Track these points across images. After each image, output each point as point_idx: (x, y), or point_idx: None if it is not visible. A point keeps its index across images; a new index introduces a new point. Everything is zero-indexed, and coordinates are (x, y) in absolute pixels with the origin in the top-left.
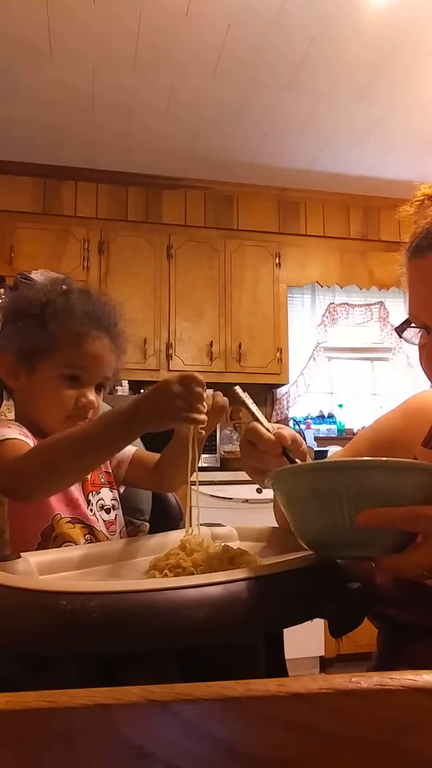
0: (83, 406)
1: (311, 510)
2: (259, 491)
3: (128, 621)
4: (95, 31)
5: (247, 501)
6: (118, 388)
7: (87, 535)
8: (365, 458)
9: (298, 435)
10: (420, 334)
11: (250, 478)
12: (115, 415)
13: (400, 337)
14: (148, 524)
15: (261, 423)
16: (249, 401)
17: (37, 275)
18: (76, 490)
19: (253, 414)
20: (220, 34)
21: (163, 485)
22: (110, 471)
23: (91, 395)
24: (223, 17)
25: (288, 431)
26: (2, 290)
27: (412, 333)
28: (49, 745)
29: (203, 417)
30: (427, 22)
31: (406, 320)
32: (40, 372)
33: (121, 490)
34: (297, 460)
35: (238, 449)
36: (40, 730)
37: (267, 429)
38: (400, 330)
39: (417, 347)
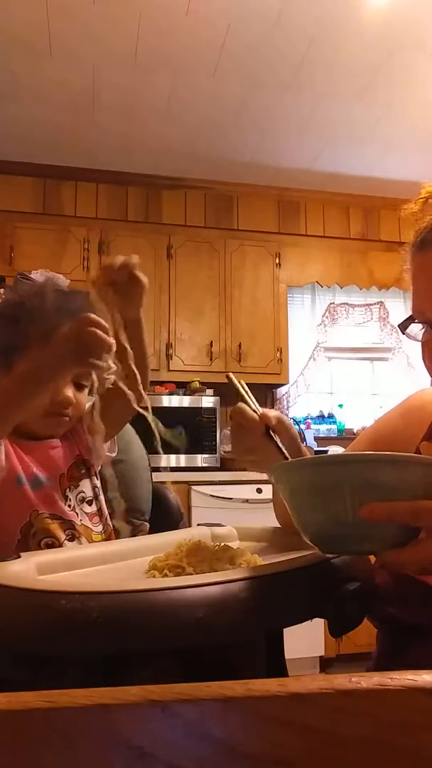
0: (59, 402)
1: (314, 503)
2: (259, 491)
3: (128, 621)
4: (95, 31)
5: (247, 501)
6: None
7: (67, 530)
8: (369, 452)
9: (284, 417)
10: (423, 330)
11: (249, 478)
12: (21, 375)
13: (403, 333)
14: (148, 524)
15: (248, 404)
16: (240, 385)
17: (37, 275)
18: (51, 486)
19: (242, 396)
20: (220, 34)
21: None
22: (89, 457)
23: (67, 391)
24: (223, 17)
25: (273, 413)
26: (2, 290)
27: (416, 329)
28: (48, 745)
29: (101, 364)
30: (427, 22)
31: (410, 317)
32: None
33: (114, 454)
34: (279, 442)
35: None
36: (40, 730)
37: (254, 410)
38: (403, 326)
39: (420, 344)
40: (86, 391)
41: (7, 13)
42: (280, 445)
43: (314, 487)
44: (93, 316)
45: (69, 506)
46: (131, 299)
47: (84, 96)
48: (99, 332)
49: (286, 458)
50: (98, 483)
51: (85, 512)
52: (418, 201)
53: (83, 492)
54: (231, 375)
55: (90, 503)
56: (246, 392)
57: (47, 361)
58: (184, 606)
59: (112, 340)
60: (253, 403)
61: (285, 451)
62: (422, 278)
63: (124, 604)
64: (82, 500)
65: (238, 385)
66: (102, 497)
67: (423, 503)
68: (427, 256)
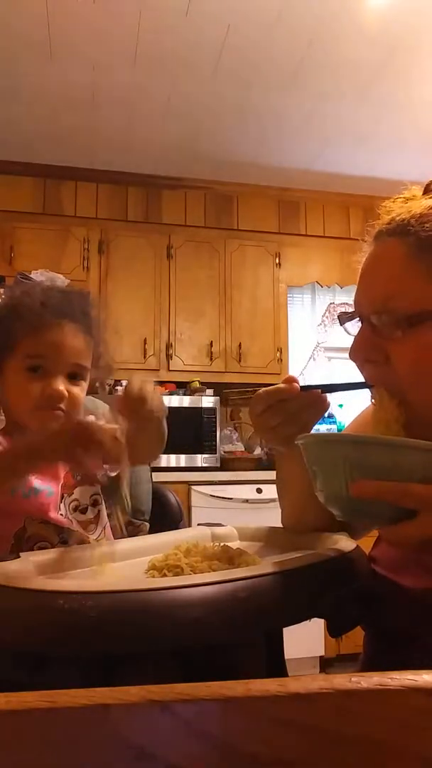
0: (50, 396)
1: (320, 476)
2: (259, 491)
3: (126, 620)
4: (95, 31)
5: (247, 501)
6: (118, 388)
7: (61, 534)
8: (365, 434)
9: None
10: (358, 324)
11: (249, 478)
12: (7, 453)
13: (341, 325)
14: (148, 524)
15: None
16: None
17: (37, 275)
18: (47, 494)
19: (250, 390)
20: (221, 34)
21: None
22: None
23: (59, 385)
24: (223, 17)
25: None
26: (2, 290)
27: (355, 323)
28: (48, 745)
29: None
30: (427, 22)
31: (353, 311)
32: (5, 369)
33: (114, 474)
34: (315, 386)
35: (238, 449)
36: (40, 730)
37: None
38: (345, 318)
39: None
40: (83, 384)
41: (8, 13)
42: (316, 386)
43: (318, 462)
44: (87, 423)
45: (61, 514)
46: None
47: (84, 96)
48: (94, 439)
49: (333, 387)
50: (98, 489)
51: (78, 521)
52: (397, 200)
53: (77, 500)
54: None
55: (84, 511)
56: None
57: (30, 453)
58: (182, 606)
59: (103, 443)
60: None
61: (334, 381)
62: (362, 270)
63: (122, 604)
64: (75, 508)
65: (241, 391)
66: (103, 504)
67: (410, 486)
68: (374, 248)
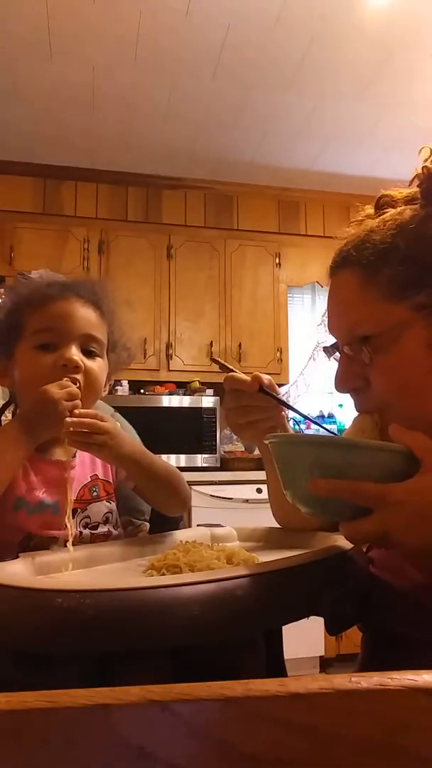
0: (63, 366)
1: (286, 475)
2: (259, 491)
3: (124, 619)
4: (95, 31)
5: (247, 501)
6: (118, 388)
7: (66, 544)
8: (320, 434)
9: (273, 383)
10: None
11: (249, 478)
12: (3, 432)
13: (329, 359)
14: (148, 524)
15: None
16: (223, 362)
17: (37, 275)
18: (54, 512)
19: (231, 370)
20: (221, 34)
21: (154, 505)
22: (110, 480)
23: (71, 353)
24: (224, 17)
25: (265, 375)
26: (2, 290)
27: (337, 356)
28: (48, 746)
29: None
30: (428, 22)
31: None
32: (17, 356)
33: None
34: (274, 395)
35: (238, 449)
36: (40, 730)
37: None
38: (329, 352)
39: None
40: (100, 361)
41: (8, 13)
42: (277, 396)
43: (283, 461)
44: (49, 388)
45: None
46: (97, 452)
47: (84, 96)
48: (61, 404)
49: (287, 405)
50: (113, 506)
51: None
52: (352, 224)
53: (89, 517)
54: (216, 357)
55: (95, 528)
56: (234, 368)
57: (35, 424)
58: (179, 603)
59: (64, 409)
60: (240, 373)
61: (283, 399)
62: (327, 306)
63: (120, 602)
64: (86, 525)
65: (225, 363)
66: (116, 520)
67: (363, 484)
68: (331, 283)
